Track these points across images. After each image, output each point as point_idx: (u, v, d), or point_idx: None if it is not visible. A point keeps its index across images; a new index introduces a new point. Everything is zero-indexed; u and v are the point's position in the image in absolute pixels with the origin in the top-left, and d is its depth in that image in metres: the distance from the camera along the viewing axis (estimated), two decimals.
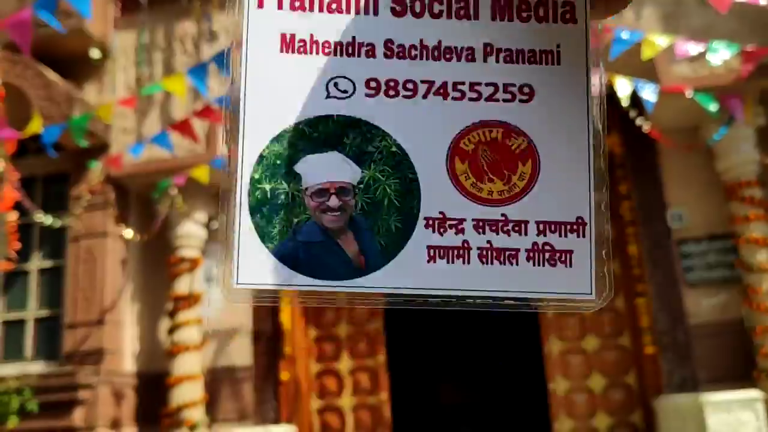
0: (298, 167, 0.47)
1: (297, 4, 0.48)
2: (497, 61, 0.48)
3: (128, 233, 5.55)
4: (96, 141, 5.70)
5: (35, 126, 4.18)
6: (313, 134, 0.47)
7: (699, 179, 5.39)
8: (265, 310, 5.91)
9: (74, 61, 6.01)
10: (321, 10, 0.48)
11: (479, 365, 8.88)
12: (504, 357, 8.60)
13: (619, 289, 5.63)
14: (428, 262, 0.46)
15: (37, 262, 5.91)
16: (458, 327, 8.54)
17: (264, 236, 0.46)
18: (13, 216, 4.38)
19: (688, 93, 4.69)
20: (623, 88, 4.52)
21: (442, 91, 0.48)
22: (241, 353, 5.86)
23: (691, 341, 5.13)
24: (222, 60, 4.86)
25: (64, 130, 4.55)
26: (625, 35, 4.24)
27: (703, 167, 5.33)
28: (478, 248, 0.46)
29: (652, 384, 5.26)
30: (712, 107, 4.65)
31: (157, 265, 6.05)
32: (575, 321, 5.65)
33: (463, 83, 0.48)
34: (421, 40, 0.48)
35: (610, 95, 4.49)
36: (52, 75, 5.61)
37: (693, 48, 4.24)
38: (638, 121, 4.80)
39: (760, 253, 4.84)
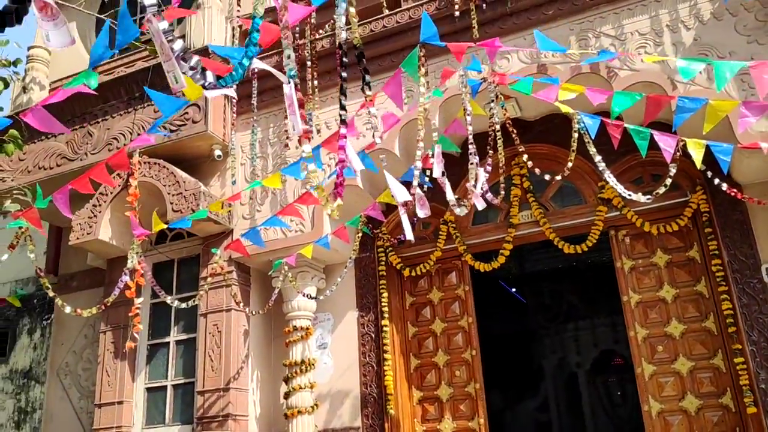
0: None
1: None
2: None
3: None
4: (221, 227, 6.55)
5: (159, 224, 4.97)
6: None
7: None
8: (371, 375, 6.36)
9: (201, 161, 6.97)
10: None
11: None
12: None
13: (717, 348, 5.55)
14: None
15: (174, 336, 6.78)
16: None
17: None
18: (137, 301, 5.17)
19: (766, 149, 4.69)
20: (695, 150, 4.62)
21: None
22: (350, 415, 6.32)
23: None
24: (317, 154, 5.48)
25: (188, 221, 5.36)
26: (688, 103, 4.39)
27: None
28: None
29: None
30: None
31: (276, 336, 6.74)
32: (674, 381, 5.61)
33: None
34: None
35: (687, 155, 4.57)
36: (181, 173, 6.55)
37: (758, 109, 4.30)
38: (716, 180, 4.84)
39: None
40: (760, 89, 3.62)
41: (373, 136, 6.17)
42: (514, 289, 12.92)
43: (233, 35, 7.28)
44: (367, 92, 3.95)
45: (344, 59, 3.10)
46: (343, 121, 2.93)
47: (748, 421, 5.22)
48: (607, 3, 5.68)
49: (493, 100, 5.09)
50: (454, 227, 6.63)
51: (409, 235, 4.95)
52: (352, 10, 3.21)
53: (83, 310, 5.25)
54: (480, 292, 10.95)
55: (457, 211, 4.75)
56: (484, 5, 6.03)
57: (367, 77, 3.45)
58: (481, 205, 4.80)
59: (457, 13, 6.10)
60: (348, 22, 3.40)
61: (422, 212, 5.01)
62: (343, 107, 2.99)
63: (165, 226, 5.12)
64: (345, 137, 2.91)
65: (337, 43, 4.20)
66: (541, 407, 12.43)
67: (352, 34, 3.33)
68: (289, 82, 2.58)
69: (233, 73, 2.72)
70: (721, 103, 4.30)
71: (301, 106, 2.61)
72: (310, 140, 2.69)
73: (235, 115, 6.91)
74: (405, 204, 4.91)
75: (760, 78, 3.61)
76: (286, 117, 6.71)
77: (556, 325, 12.53)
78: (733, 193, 4.88)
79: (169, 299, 5.84)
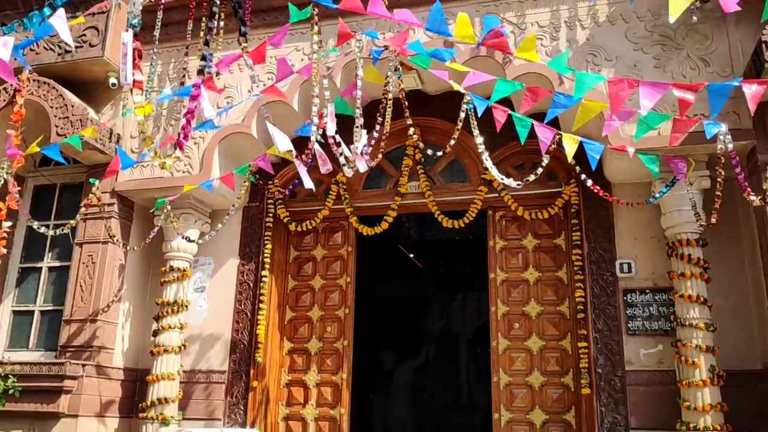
0: None
1: None
2: None
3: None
4: (107, 158, 6.39)
5: (33, 148, 4.84)
6: None
7: (648, 233, 5.66)
8: (244, 322, 6.46)
9: (95, 87, 6.75)
10: None
11: None
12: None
13: (567, 331, 5.95)
14: None
15: (48, 262, 6.65)
16: None
17: None
18: (5, 225, 5.04)
19: (631, 153, 4.98)
20: (569, 144, 4.86)
21: None
22: (218, 359, 6.42)
23: (625, 387, 5.40)
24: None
25: (60, 147, 5.22)
26: (563, 99, 4.59)
27: (653, 222, 5.60)
28: None
29: (588, 424, 5.55)
30: (655, 168, 4.94)
31: (154, 274, 6.71)
32: (525, 357, 5.99)
33: None
34: None
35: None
36: (71, 96, 6.34)
37: (624, 115, 4.54)
38: (583, 176, 5.11)
39: (692, 310, 5.09)
40: (612, 105, 3.82)
41: (251, 86, 6.16)
42: (412, 255, 13.23)
43: None
44: (243, 43, 3.96)
45: (214, 9, 3.09)
46: (200, 71, 2.94)
47: (582, 401, 5.65)
48: None
49: (390, 71, 5.16)
50: (345, 189, 6.73)
51: (308, 183, 5.03)
52: None
53: None
54: (379, 254, 11.22)
55: (346, 171, 4.85)
56: None
57: (243, 28, 3.46)
58: (363, 167, 4.90)
59: None
60: None
61: (324, 168, 5.09)
62: (204, 57, 3.00)
63: (37, 150, 4.98)
64: (200, 87, 2.92)
65: None
66: (423, 370, 12.93)
67: None
68: (128, 30, 2.56)
69: None
70: (593, 104, 4.51)
71: (140, 56, 2.60)
72: (143, 91, 2.69)
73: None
74: (298, 155, 4.97)
75: (615, 94, 3.80)
76: (187, 54, 6.59)
77: (446, 293, 12.99)
78: (596, 190, 5.16)
79: (36, 224, 5.72)
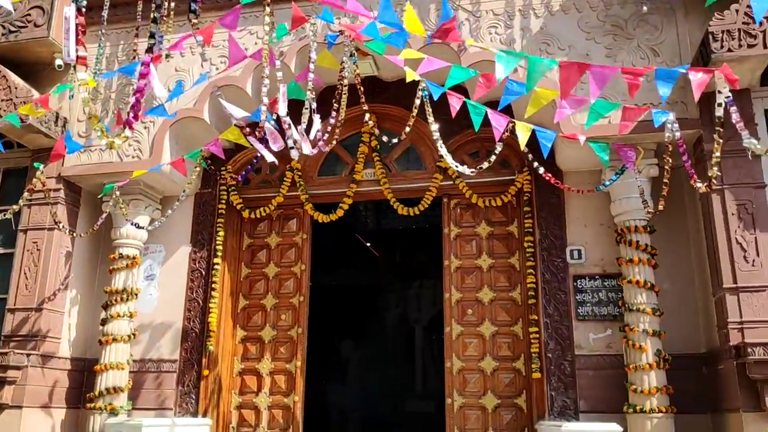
0: None
1: None
2: None
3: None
4: (52, 142, 6.18)
5: None
6: None
7: (599, 220, 5.76)
8: (196, 310, 6.36)
9: (41, 68, 6.52)
10: None
11: None
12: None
13: (518, 317, 6.03)
14: None
15: None
16: None
17: None
18: None
19: (582, 141, 5.05)
20: (522, 132, 4.89)
21: None
22: (169, 348, 6.31)
23: (575, 371, 5.50)
24: None
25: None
26: (516, 87, 4.62)
27: (603, 210, 5.70)
28: None
29: (539, 408, 5.64)
30: (605, 156, 5.02)
31: (103, 262, 6.55)
32: (477, 342, 6.05)
33: None
34: None
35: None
36: (14, 78, 6.11)
37: (575, 104, 4.59)
38: (536, 164, 5.17)
39: (639, 295, 5.21)
40: (563, 89, 3.85)
41: (202, 65, 6.05)
42: (369, 244, 13.24)
43: None
44: (194, 20, 3.87)
45: None
46: (149, 49, 2.85)
47: (533, 385, 5.74)
48: None
49: (346, 56, 5.12)
50: (300, 175, 6.67)
51: (270, 157, 4.94)
52: None
53: None
54: (335, 242, 11.17)
55: (292, 153, 4.79)
56: None
57: (193, 5, 3.37)
58: (307, 150, 4.85)
59: None
60: None
61: (275, 146, 5.00)
62: (152, 35, 2.92)
63: None
64: (149, 65, 2.84)
65: None
66: (379, 358, 12.98)
67: None
68: (71, 5, 2.47)
69: None
70: (545, 92, 4.55)
71: (84, 32, 2.51)
72: (87, 67, 2.60)
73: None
74: (251, 132, 4.89)
75: (566, 79, 3.84)
76: (137, 35, 6.42)
77: (402, 281, 13.04)
78: (548, 178, 5.23)
79: None
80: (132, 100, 2.92)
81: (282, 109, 4.79)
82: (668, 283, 5.46)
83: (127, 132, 2.86)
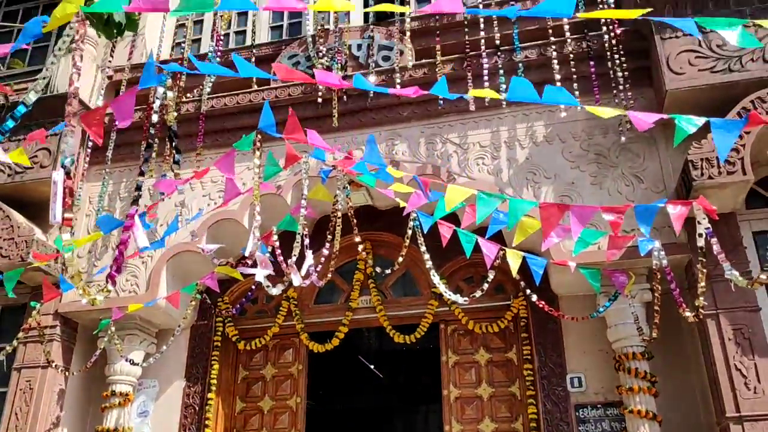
0: None
1: None
2: None
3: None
4: (52, 279, 6.26)
5: None
6: None
7: (597, 346, 5.67)
8: None
9: (45, 206, 6.69)
10: None
11: None
12: None
13: None
14: None
15: None
16: None
17: None
18: None
19: (572, 267, 5.07)
20: (512, 260, 4.93)
21: None
22: None
23: None
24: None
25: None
26: (501, 217, 4.71)
27: (600, 334, 5.63)
28: None
29: None
30: (596, 282, 5.02)
31: (96, 399, 6.43)
32: None
33: None
34: None
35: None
36: (17, 217, 6.29)
37: (562, 232, 4.66)
38: (528, 291, 5.18)
39: (642, 426, 5.03)
40: (545, 229, 3.90)
41: (186, 223, 6.21)
42: (372, 366, 13.00)
43: (102, 85, 7.18)
44: (176, 170, 4.04)
45: (151, 140, 3.16)
46: (135, 201, 2.97)
47: None
48: (456, 113, 6.09)
49: (339, 189, 5.29)
50: (296, 304, 6.68)
51: (274, 291, 4.97)
52: (170, 94, 3.29)
53: None
54: (338, 364, 10.97)
55: (294, 281, 4.83)
56: (345, 97, 6.31)
57: (177, 156, 3.54)
58: (297, 281, 4.88)
59: (320, 101, 6.34)
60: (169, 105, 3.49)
61: (263, 271, 5.04)
62: (138, 188, 3.04)
63: None
64: (134, 216, 2.94)
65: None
66: None
67: (168, 116, 3.41)
68: (59, 170, 2.61)
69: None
70: (532, 221, 4.63)
71: (71, 194, 2.64)
72: (72, 228, 2.70)
73: (87, 165, 6.76)
74: (244, 262, 4.94)
75: (547, 219, 3.89)
76: (142, 173, 6.64)
77: (408, 405, 12.67)
78: (541, 305, 5.22)
79: None
80: (116, 252, 3.00)
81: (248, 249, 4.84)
82: (671, 411, 5.29)
83: (110, 286, 2.91)
